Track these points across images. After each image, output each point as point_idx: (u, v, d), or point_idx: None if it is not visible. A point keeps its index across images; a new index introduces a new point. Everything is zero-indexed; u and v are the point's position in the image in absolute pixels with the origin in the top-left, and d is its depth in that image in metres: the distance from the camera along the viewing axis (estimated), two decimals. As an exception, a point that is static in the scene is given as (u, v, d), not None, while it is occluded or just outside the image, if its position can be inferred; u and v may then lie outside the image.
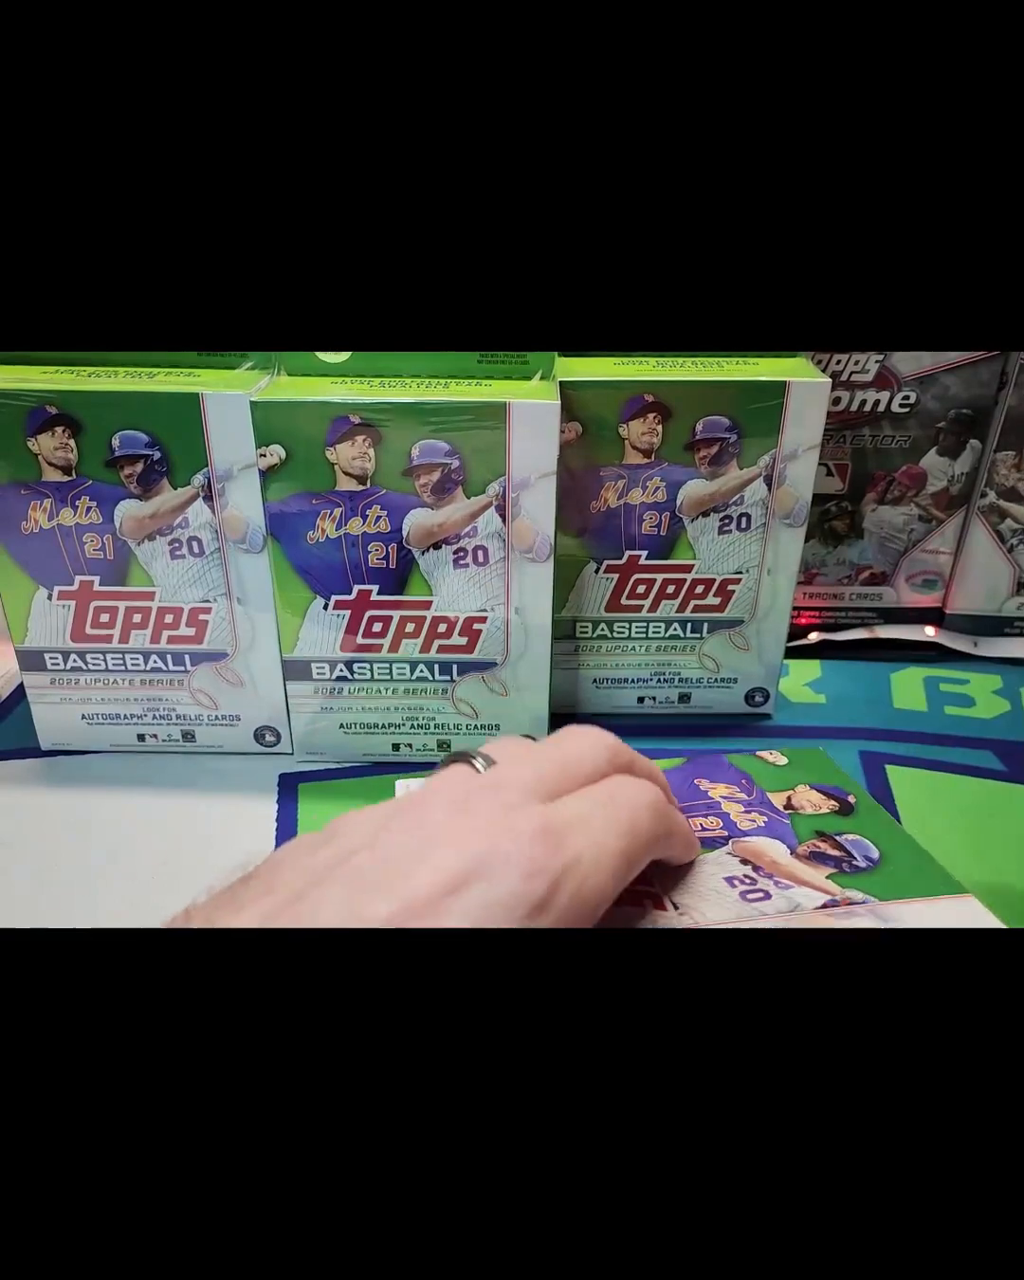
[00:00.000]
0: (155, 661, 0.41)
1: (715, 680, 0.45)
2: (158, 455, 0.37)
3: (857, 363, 0.46)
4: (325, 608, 0.39)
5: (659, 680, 0.45)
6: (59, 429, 0.36)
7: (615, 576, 0.42)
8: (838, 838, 0.32)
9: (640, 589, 0.43)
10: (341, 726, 0.42)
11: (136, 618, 0.40)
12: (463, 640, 0.40)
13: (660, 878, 0.30)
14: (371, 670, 0.41)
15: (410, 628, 0.40)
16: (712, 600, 0.43)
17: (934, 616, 0.52)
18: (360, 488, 0.37)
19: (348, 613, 0.39)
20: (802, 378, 0.39)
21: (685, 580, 0.42)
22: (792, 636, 0.48)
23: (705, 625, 0.43)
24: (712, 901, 0.29)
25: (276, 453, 0.36)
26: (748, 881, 0.30)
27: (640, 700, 0.46)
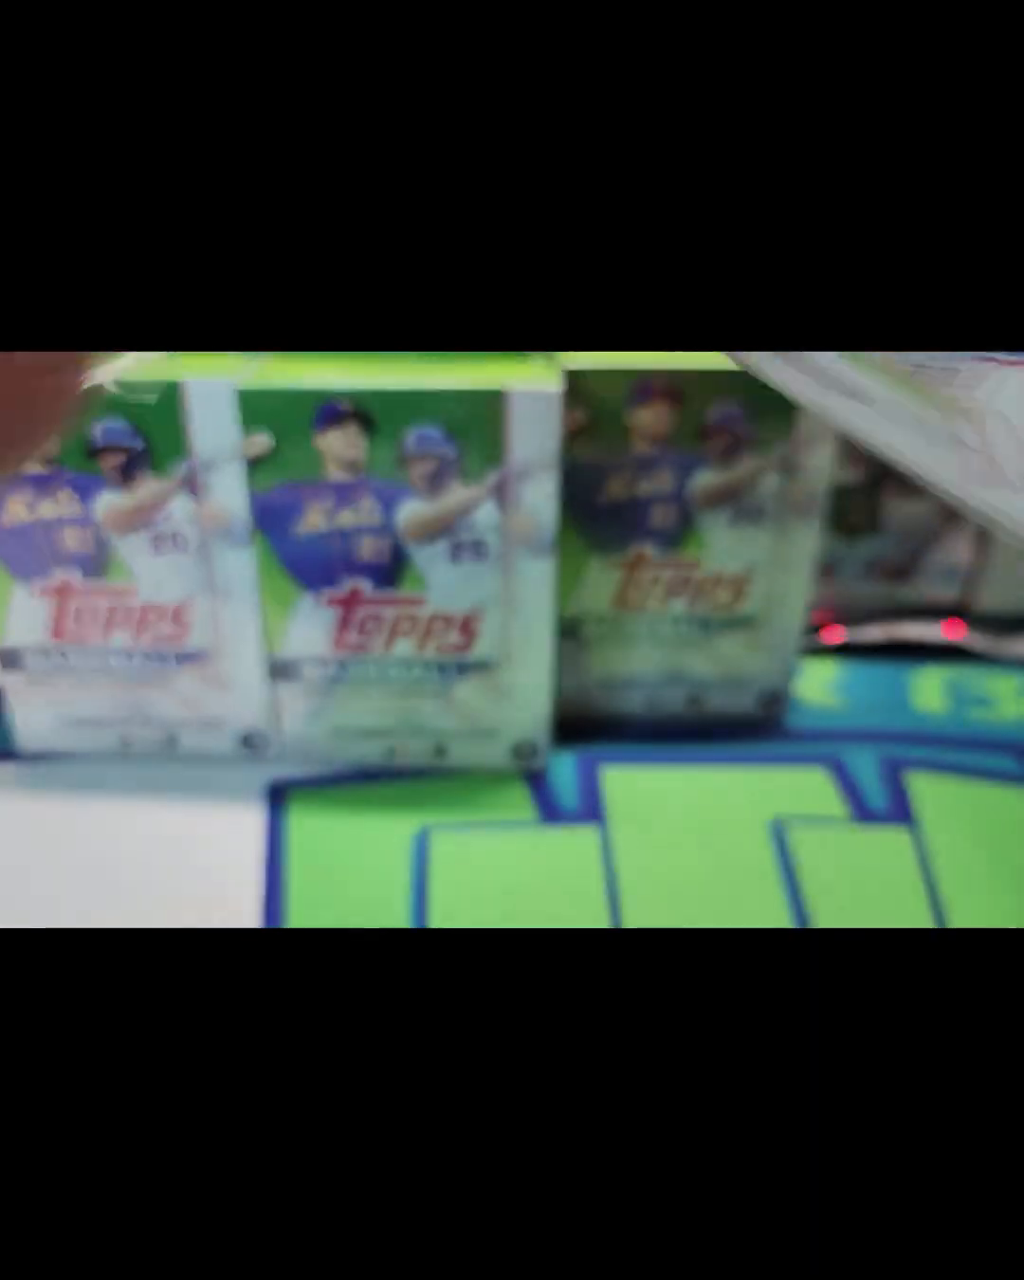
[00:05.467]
0: (137, 661, 0.39)
1: (727, 681, 0.43)
2: (140, 446, 0.35)
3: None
4: (314, 604, 0.37)
5: (668, 681, 0.43)
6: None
7: (622, 571, 0.40)
8: None
9: (649, 585, 0.41)
10: (333, 730, 0.40)
11: (118, 615, 0.38)
12: (460, 639, 0.38)
13: None
14: (363, 671, 0.39)
15: (405, 625, 0.38)
16: (723, 597, 0.41)
17: (956, 615, 0.50)
18: (351, 478, 0.35)
19: (338, 609, 0.37)
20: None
21: (695, 576, 0.40)
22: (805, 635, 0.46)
23: (716, 623, 0.41)
24: None
25: (262, 442, 0.34)
26: None
27: (648, 703, 0.44)
